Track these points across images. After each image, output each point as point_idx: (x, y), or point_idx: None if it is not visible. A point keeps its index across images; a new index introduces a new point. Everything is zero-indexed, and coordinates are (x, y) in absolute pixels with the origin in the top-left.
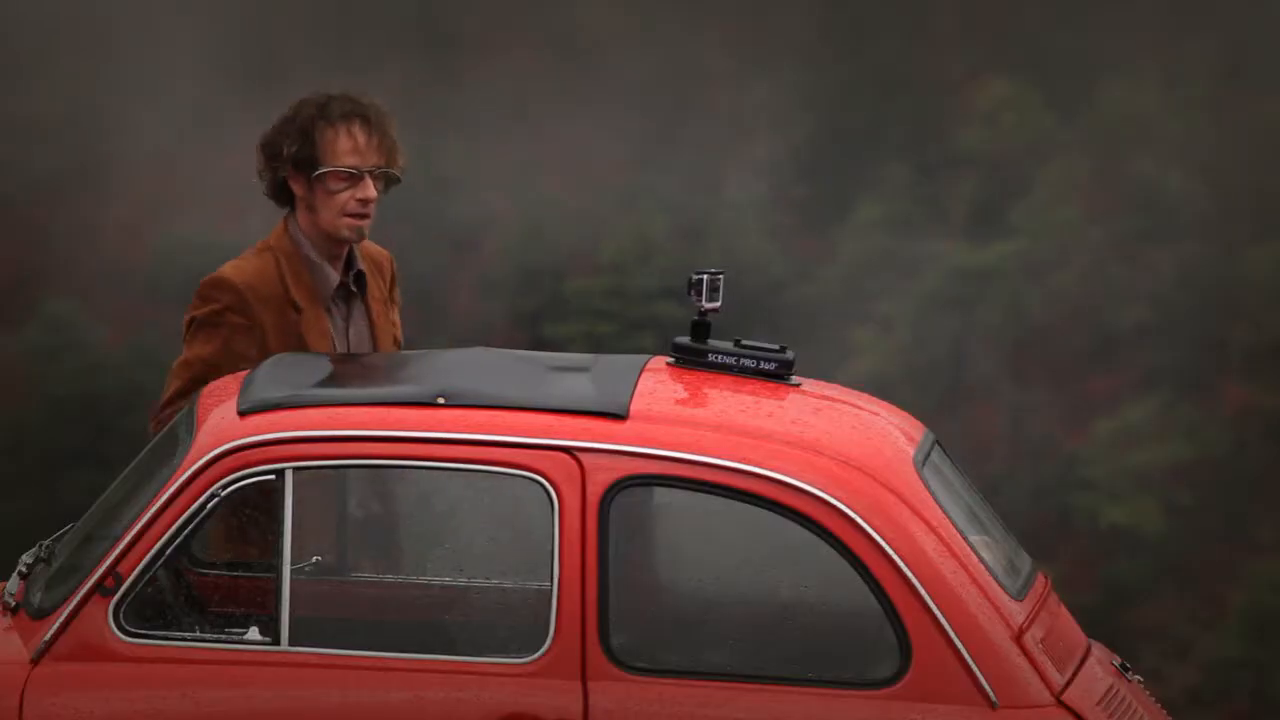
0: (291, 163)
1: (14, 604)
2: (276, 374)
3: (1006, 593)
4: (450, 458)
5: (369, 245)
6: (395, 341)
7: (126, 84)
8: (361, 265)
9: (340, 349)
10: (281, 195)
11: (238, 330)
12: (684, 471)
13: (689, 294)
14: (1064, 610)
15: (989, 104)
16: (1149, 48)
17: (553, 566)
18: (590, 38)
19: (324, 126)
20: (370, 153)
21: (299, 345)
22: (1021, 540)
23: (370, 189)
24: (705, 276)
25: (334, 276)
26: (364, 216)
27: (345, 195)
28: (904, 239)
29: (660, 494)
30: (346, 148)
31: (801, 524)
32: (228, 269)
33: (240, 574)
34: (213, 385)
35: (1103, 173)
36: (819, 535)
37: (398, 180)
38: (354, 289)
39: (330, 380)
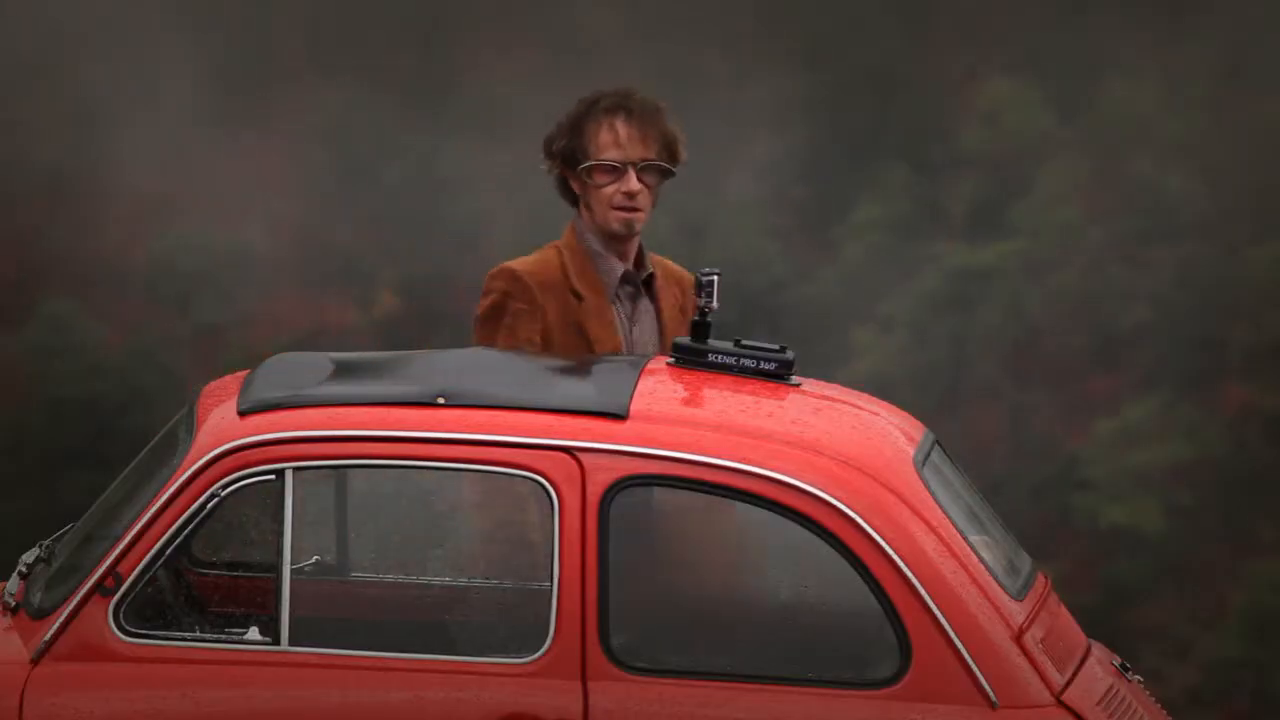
0: (561, 158)
1: (14, 604)
2: (276, 374)
3: (1006, 593)
4: (450, 458)
5: (674, 265)
6: None
7: (126, 84)
8: (653, 269)
9: (624, 344)
10: (567, 192)
11: (520, 316)
12: (684, 471)
13: (698, 295)
14: (1064, 610)
15: (989, 104)
16: (1149, 48)
17: (553, 566)
18: (590, 37)
19: (589, 121)
20: (632, 145)
21: (579, 334)
22: (1021, 540)
23: (632, 182)
24: (716, 277)
25: (619, 267)
26: (632, 209)
27: (611, 189)
28: (904, 239)
29: (660, 494)
30: (608, 141)
31: (801, 524)
32: (511, 261)
33: (240, 574)
34: (212, 385)
35: (1103, 173)
36: (819, 535)
37: (671, 173)
38: (642, 289)
39: (330, 380)
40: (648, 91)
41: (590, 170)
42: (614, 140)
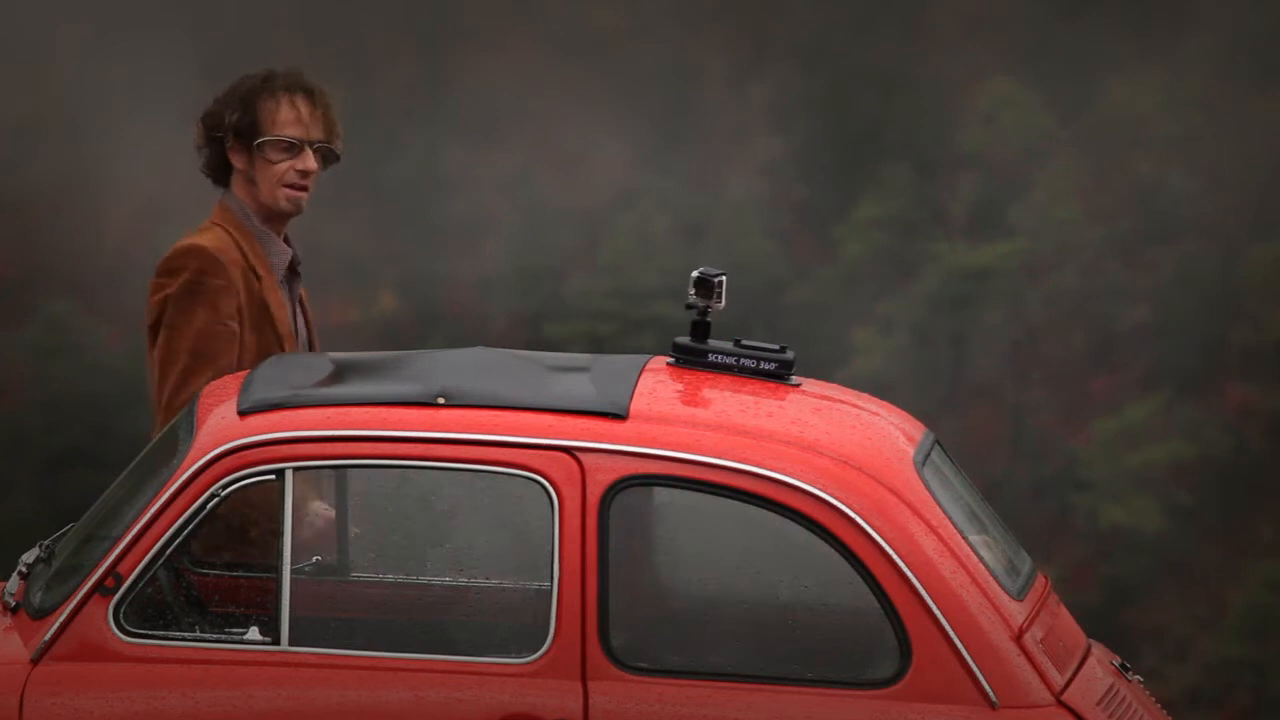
0: (233, 131)
1: (14, 604)
2: (276, 374)
3: (1006, 593)
4: (450, 458)
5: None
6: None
7: (126, 84)
8: (298, 252)
9: (290, 324)
10: (219, 171)
11: (221, 292)
12: (684, 471)
13: (711, 296)
14: (1064, 610)
15: (989, 104)
16: (1149, 48)
17: (553, 566)
18: (590, 37)
19: (266, 97)
20: (313, 125)
21: (265, 312)
22: (1021, 540)
23: (310, 160)
24: (724, 278)
25: (285, 251)
26: (303, 189)
27: (284, 166)
28: (904, 239)
29: (660, 494)
30: (289, 118)
31: (801, 524)
32: (187, 240)
33: (240, 574)
34: (212, 385)
35: (1103, 173)
36: (819, 535)
37: (336, 158)
38: (297, 271)
39: (330, 380)
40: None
41: (264, 145)
42: (295, 118)
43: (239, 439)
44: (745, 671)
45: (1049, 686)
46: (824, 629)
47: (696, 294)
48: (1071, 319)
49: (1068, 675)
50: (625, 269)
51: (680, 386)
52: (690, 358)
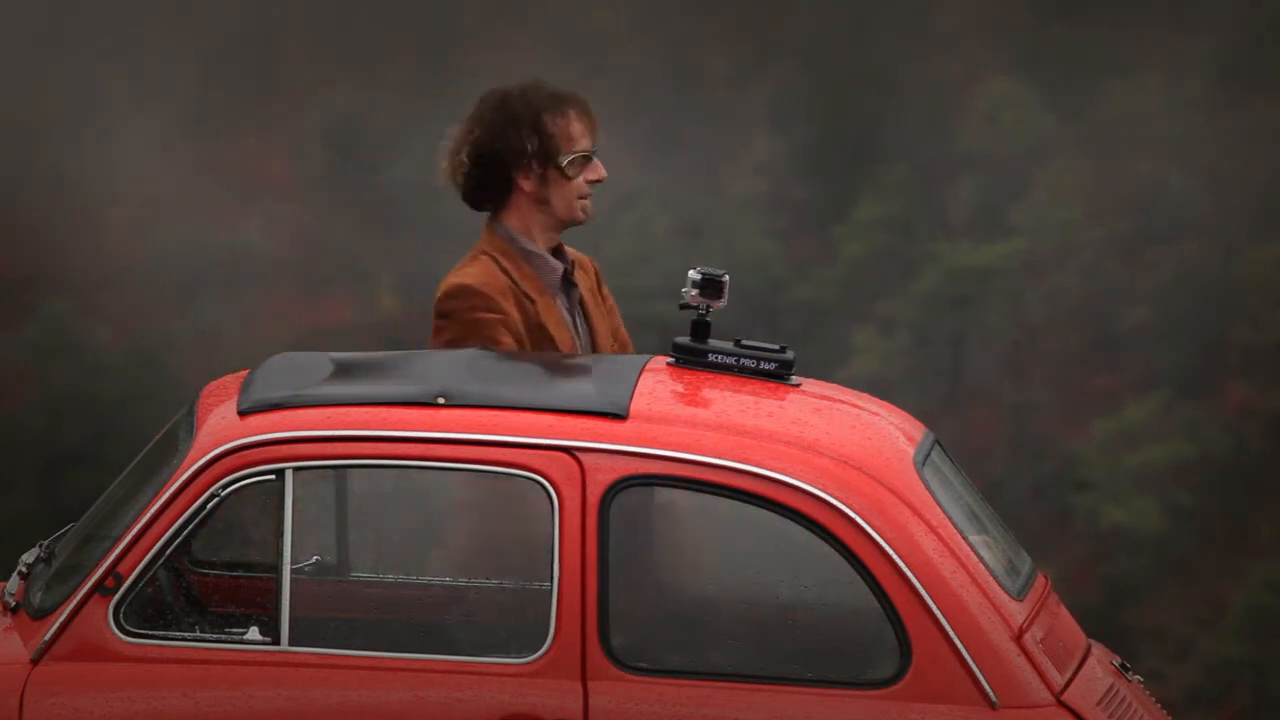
0: (535, 158)
1: (14, 604)
2: (276, 374)
3: (1006, 593)
4: (450, 458)
5: (569, 248)
6: (615, 336)
7: (126, 84)
8: (573, 258)
9: (575, 339)
10: (482, 198)
11: (495, 327)
12: (684, 471)
13: (720, 296)
14: (1064, 610)
15: (989, 104)
16: (1149, 48)
17: (553, 566)
18: (590, 37)
19: (553, 115)
20: (595, 132)
21: (543, 334)
22: (1021, 540)
23: (601, 168)
24: (728, 278)
25: (558, 265)
26: (589, 195)
27: (582, 179)
28: (904, 239)
29: (660, 494)
30: (580, 130)
31: (801, 524)
32: (454, 277)
33: (240, 574)
34: (212, 385)
35: (1103, 173)
36: (819, 535)
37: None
38: (573, 281)
39: (330, 380)
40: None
41: (565, 163)
42: (584, 129)
43: (239, 439)
44: (745, 671)
45: (1049, 686)
46: (824, 629)
47: (703, 294)
48: (1071, 319)
49: (1068, 675)
50: (625, 269)
51: (680, 386)
52: (690, 358)
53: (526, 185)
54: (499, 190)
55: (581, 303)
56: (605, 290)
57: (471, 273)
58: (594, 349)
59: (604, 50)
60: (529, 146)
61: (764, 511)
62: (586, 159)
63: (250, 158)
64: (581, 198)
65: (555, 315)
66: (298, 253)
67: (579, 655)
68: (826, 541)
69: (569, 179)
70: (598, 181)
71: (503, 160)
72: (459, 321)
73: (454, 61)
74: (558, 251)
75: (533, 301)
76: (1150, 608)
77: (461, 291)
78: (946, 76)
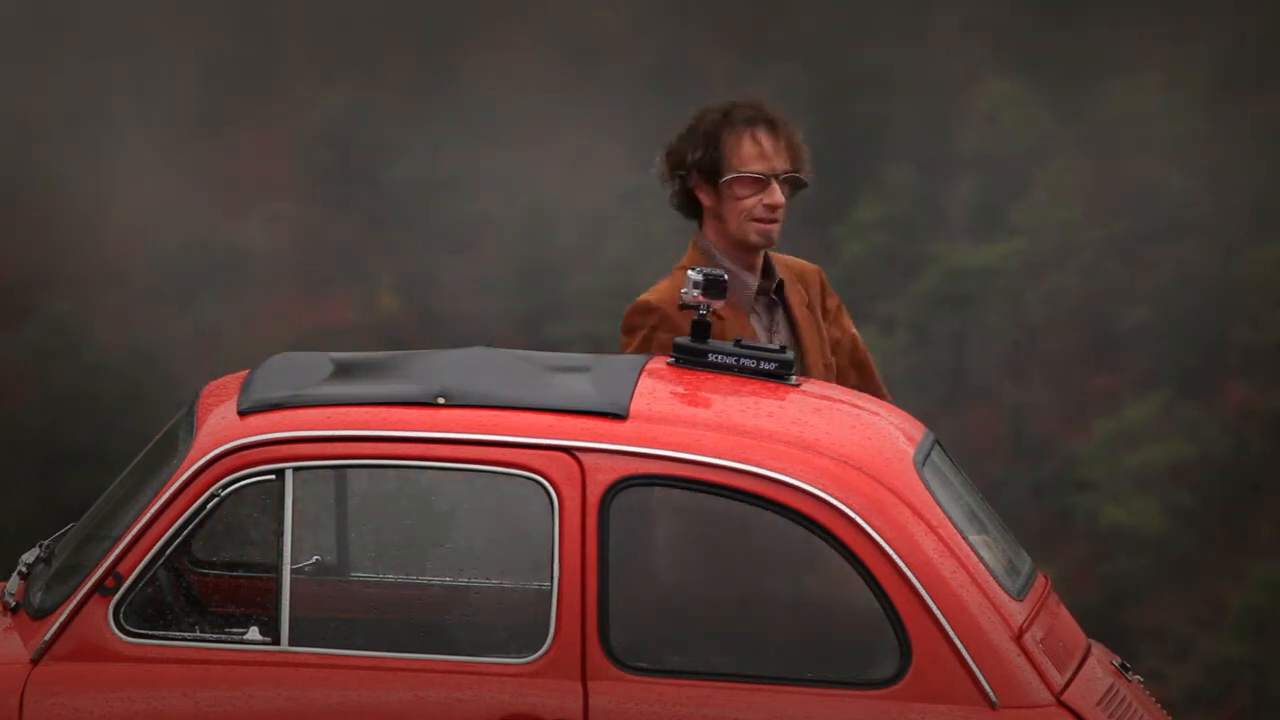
0: (697, 170)
1: (14, 604)
2: (276, 374)
3: (1006, 593)
4: (450, 458)
5: (792, 260)
6: (838, 348)
7: (126, 84)
8: (780, 275)
9: None
10: (687, 206)
11: (668, 347)
12: (684, 471)
13: (723, 295)
14: (1064, 610)
15: (989, 104)
16: (1149, 48)
17: (553, 566)
18: (590, 37)
19: (729, 132)
20: (776, 157)
21: None
22: (1021, 540)
23: (777, 194)
24: (725, 280)
25: (751, 282)
26: (772, 222)
27: (752, 201)
28: (904, 239)
29: (660, 494)
30: (752, 153)
31: (801, 524)
32: (647, 293)
33: (240, 574)
34: (212, 385)
35: (1103, 173)
36: (819, 535)
37: (804, 185)
38: (774, 297)
39: (330, 380)
40: (755, 98)
41: (731, 182)
42: (759, 152)
43: (239, 439)
44: (745, 671)
45: (1049, 686)
46: (824, 629)
47: (706, 294)
48: (1071, 319)
49: (1068, 675)
50: (625, 269)
51: (680, 386)
52: (690, 358)
53: (704, 199)
54: (691, 202)
55: (790, 318)
56: (830, 300)
57: (661, 288)
58: (802, 367)
59: (604, 50)
60: (692, 158)
61: (764, 511)
62: (757, 181)
63: (250, 158)
64: (755, 220)
65: (746, 333)
66: (298, 253)
67: (579, 655)
68: (826, 541)
69: (737, 198)
70: (774, 207)
71: (675, 170)
72: (639, 339)
73: (454, 61)
74: (766, 266)
75: (721, 319)
76: (1150, 608)
77: (644, 309)
78: (946, 76)
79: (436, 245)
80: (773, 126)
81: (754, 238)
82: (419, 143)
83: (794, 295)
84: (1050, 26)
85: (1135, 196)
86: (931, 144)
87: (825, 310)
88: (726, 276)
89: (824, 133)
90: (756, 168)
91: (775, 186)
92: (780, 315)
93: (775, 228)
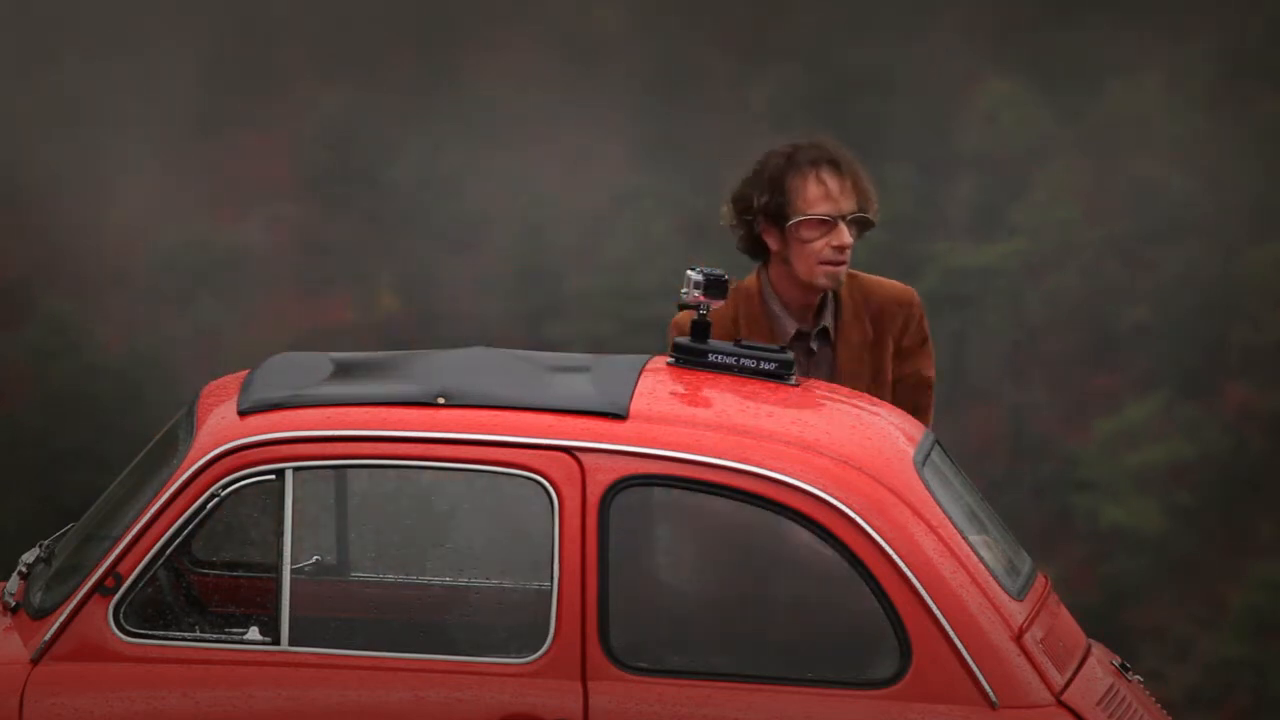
0: (763, 214)
1: (14, 604)
2: (276, 374)
3: (1006, 593)
4: (450, 458)
5: (883, 288)
6: (884, 391)
7: (126, 83)
8: (827, 322)
9: None
10: (755, 248)
11: None
12: (684, 471)
13: (725, 295)
14: (1064, 610)
15: (989, 104)
16: (1149, 48)
17: (553, 566)
18: (590, 37)
19: (794, 175)
20: (843, 198)
21: None
22: (1021, 540)
23: (845, 235)
24: (729, 277)
25: (790, 328)
26: (840, 263)
27: (820, 243)
28: (904, 239)
29: (660, 494)
30: (818, 195)
31: (801, 524)
32: (683, 313)
33: (240, 574)
34: (212, 385)
35: (1103, 173)
36: (819, 535)
37: (871, 224)
38: (813, 345)
39: (330, 380)
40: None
41: (798, 225)
42: (825, 194)
43: (239, 439)
44: (745, 671)
45: (1049, 686)
46: (824, 629)
47: (708, 294)
48: (1071, 319)
49: (1068, 675)
50: (625, 269)
51: (680, 386)
52: (690, 358)
53: (771, 242)
54: (756, 244)
55: (834, 362)
56: (910, 339)
57: (687, 314)
58: None
59: (604, 50)
60: (758, 202)
61: (764, 511)
62: (824, 223)
63: (250, 158)
64: (824, 263)
65: None
66: (298, 253)
67: (579, 655)
68: (826, 541)
69: (804, 241)
70: (842, 248)
71: (741, 214)
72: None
73: (454, 61)
74: (820, 307)
75: None
76: (1150, 608)
77: (673, 328)
78: (946, 76)
79: (436, 245)
80: (837, 167)
81: (822, 280)
82: (419, 143)
83: (852, 335)
84: (1050, 26)
85: (1135, 196)
86: (931, 144)
87: (900, 348)
88: (729, 277)
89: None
90: (823, 209)
91: (842, 228)
92: (822, 356)
93: (843, 269)
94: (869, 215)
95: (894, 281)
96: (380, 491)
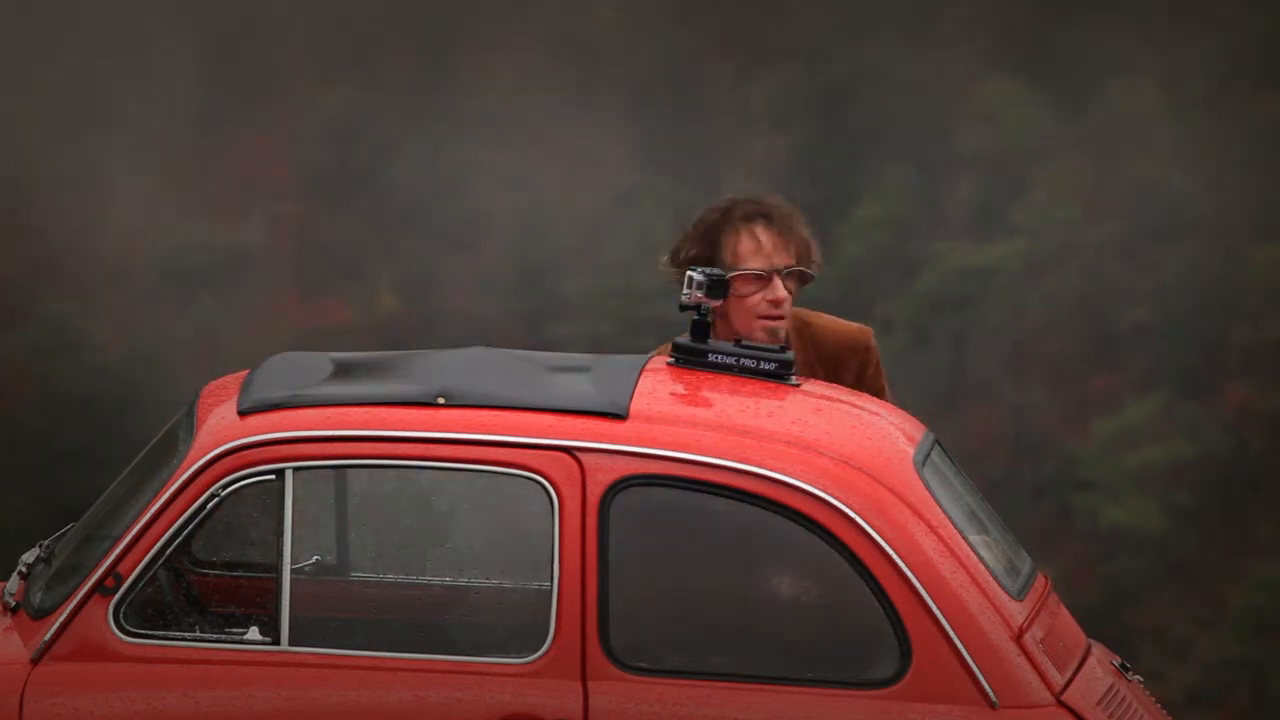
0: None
1: (14, 604)
2: (276, 374)
3: (1006, 593)
4: (450, 458)
5: (835, 331)
6: None
7: (127, 83)
8: (802, 360)
9: None
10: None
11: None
12: (684, 471)
13: (725, 295)
14: (1064, 610)
15: (989, 104)
16: (1149, 48)
17: (553, 566)
18: (590, 37)
19: (726, 230)
20: (777, 253)
21: None
22: (1021, 540)
23: (780, 289)
24: (728, 280)
25: None
26: (778, 317)
27: (756, 298)
28: (904, 239)
29: (660, 494)
30: (750, 249)
31: (801, 524)
32: (665, 345)
33: (240, 574)
34: (212, 385)
35: (1103, 173)
36: (819, 535)
37: (810, 278)
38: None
39: (330, 380)
40: (782, 199)
41: (734, 280)
42: (757, 248)
43: (239, 439)
44: (745, 671)
45: (1049, 686)
46: (824, 629)
47: (709, 294)
48: (1071, 319)
49: (1068, 675)
50: (625, 269)
51: (680, 386)
52: (690, 358)
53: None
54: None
55: None
56: (868, 369)
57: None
58: None
59: (604, 50)
60: (687, 255)
61: (764, 511)
62: (759, 278)
63: (250, 158)
64: (761, 317)
65: None
66: (298, 253)
67: (579, 655)
68: (826, 541)
69: (740, 296)
70: (777, 303)
71: (681, 268)
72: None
73: (454, 62)
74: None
75: None
76: (1150, 608)
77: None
78: (946, 76)
79: (436, 245)
80: (770, 220)
81: (759, 335)
82: (419, 143)
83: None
84: (1050, 26)
85: (1135, 196)
86: (931, 144)
87: (862, 378)
88: (729, 276)
89: (824, 132)
90: (755, 264)
91: (777, 281)
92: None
93: (781, 323)
94: (806, 269)
95: (847, 323)
96: (380, 491)
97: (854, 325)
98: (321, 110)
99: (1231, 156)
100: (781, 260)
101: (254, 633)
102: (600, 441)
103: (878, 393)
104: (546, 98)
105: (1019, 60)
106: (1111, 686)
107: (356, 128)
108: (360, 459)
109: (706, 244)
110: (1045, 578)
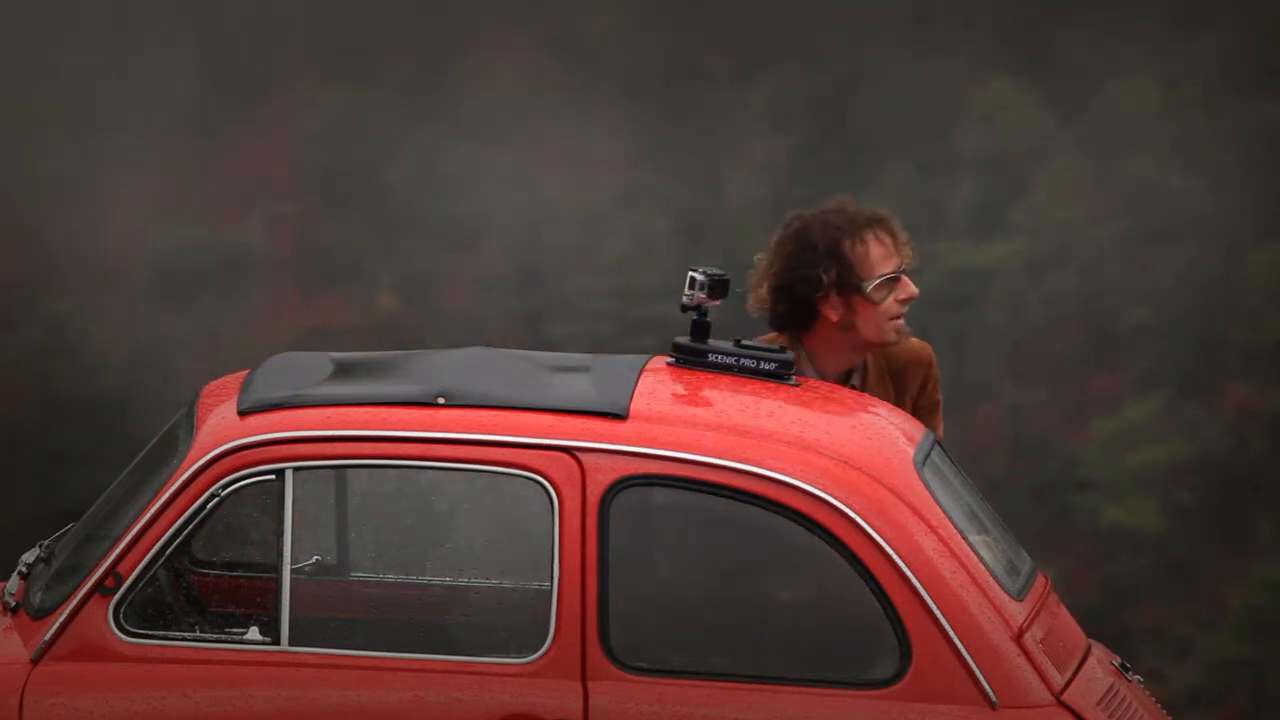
0: (836, 287)
1: (14, 604)
2: (276, 374)
3: (1006, 593)
4: (450, 458)
5: (898, 350)
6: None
7: (126, 83)
8: (855, 383)
9: None
10: (796, 322)
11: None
12: (684, 471)
13: (726, 296)
14: (1064, 610)
15: (989, 104)
16: (1149, 48)
17: (553, 566)
18: (590, 37)
19: (853, 243)
20: (899, 251)
21: None
22: (1021, 540)
23: (911, 286)
24: (729, 280)
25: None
26: (904, 315)
27: (889, 301)
28: None
29: (660, 494)
30: (880, 255)
31: (801, 524)
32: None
33: (240, 574)
34: (212, 385)
35: (1103, 173)
36: (819, 535)
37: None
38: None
39: (330, 380)
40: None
41: (871, 290)
42: (885, 253)
43: (239, 439)
44: (745, 671)
45: (1049, 686)
46: (824, 629)
47: (711, 295)
48: (1071, 319)
49: (1068, 675)
50: (625, 269)
51: (680, 386)
52: (690, 358)
53: (832, 314)
54: (806, 318)
55: None
56: (927, 398)
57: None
58: None
59: (604, 50)
60: (826, 277)
61: (764, 511)
62: (894, 280)
63: (250, 158)
64: (893, 318)
65: None
66: (298, 253)
67: (579, 655)
68: (826, 541)
69: (876, 304)
70: (909, 300)
71: (804, 293)
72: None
73: (454, 62)
74: (850, 372)
75: None
76: (1150, 608)
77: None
78: (946, 76)
79: (436, 245)
80: (883, 222)
81: (893, 336)
82: (419, 143)
83: (877, 396)
84: (1050, 26)
85: (1135, 196)
86: (931, 144)
87: (916, 406)
88: (729, 277)
89: (824, 133)
90: (890, 266)
91: (905, 280)
92: None
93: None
94: (915, 263)
95: (913, 338)
96: (380, 491)
97: (916, 340)
98: (321, 110)
99: (1231, 156)
100: (905, 256)
101: (254, 633)
102: (600, 441)
103: (935, 406)
104: (546, 98)
105: (1019, 60)
106: (1111, 686)
107: (356, 128)
108: (360, 459)
109: (833, 259)
110: (1045, 578)
